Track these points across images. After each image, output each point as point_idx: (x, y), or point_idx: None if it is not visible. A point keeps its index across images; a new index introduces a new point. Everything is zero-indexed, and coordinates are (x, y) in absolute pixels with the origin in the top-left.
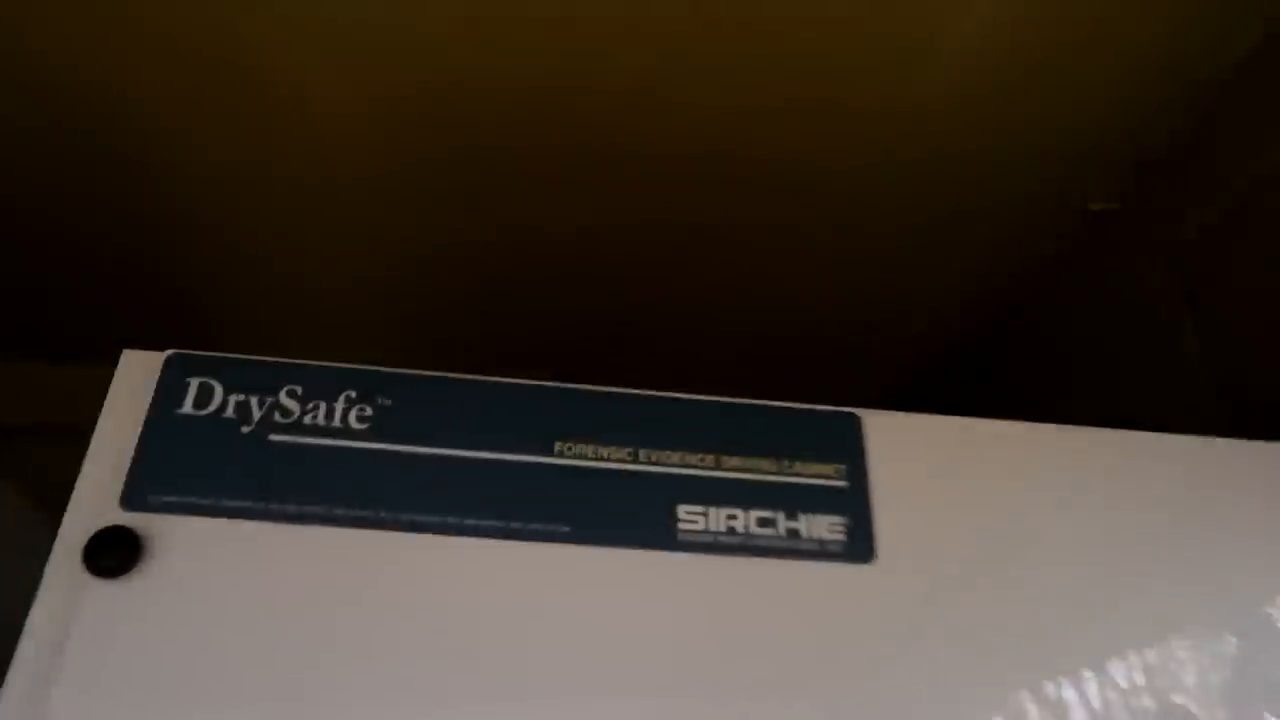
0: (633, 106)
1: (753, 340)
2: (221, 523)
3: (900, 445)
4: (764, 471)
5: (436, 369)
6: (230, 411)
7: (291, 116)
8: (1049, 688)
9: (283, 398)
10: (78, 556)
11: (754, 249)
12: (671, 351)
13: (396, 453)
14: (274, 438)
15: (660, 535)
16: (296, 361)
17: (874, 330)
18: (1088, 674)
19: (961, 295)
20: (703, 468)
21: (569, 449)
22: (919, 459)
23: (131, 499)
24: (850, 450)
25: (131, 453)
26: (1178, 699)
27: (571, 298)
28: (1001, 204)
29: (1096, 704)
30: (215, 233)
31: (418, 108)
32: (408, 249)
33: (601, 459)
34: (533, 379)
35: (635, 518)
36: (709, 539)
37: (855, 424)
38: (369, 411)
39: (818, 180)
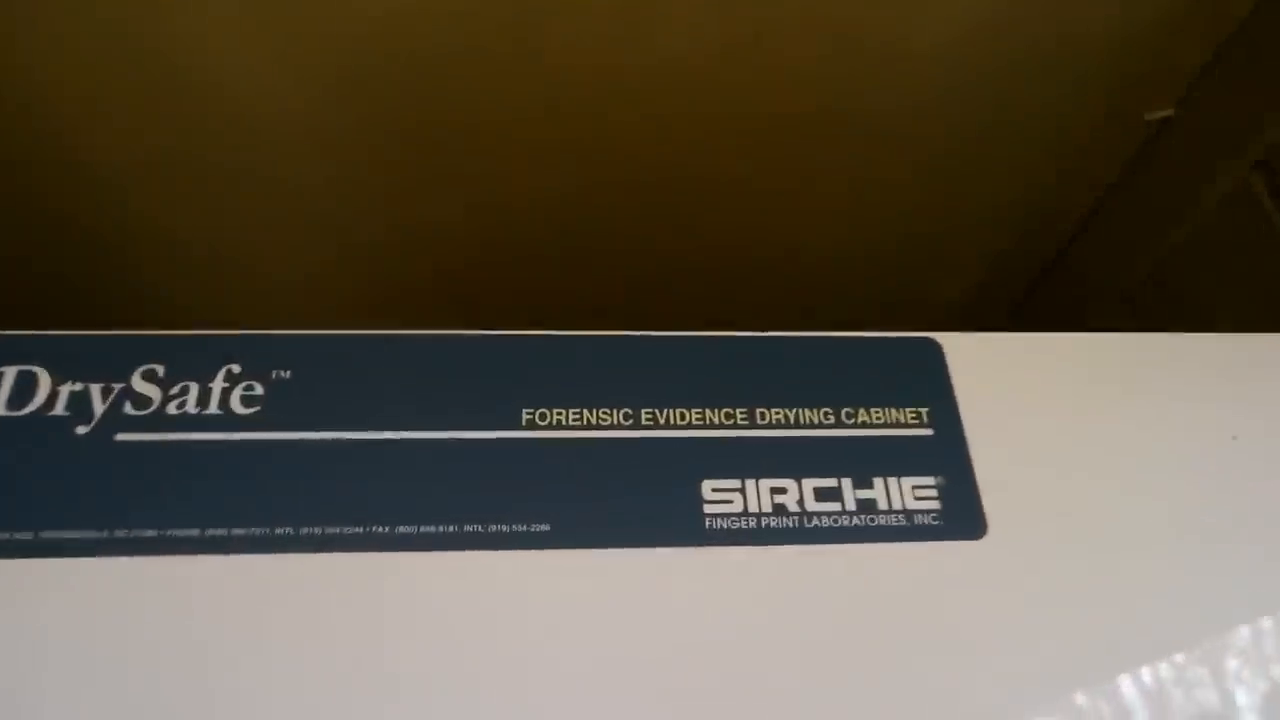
0: (620, 46)
1: (781, 295)
2: (45, 564)
3: (996, 375)
4: (818, 425)
5: None
6: (61, 407)
7: (217, 90)
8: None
9: (136, 381)
10: None
11: (773, 197)
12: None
13: (300, 444)
14: (123, 438)
15: (681, 526)
16: (153, 333)
17: (922, 266)
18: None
19: (1024, 215)
20: (733, 428)
21: (542, 418)
22: (1024, 391)
23: None
24: (933, 387)
25: None
26: None
27: (555, 277)
28: (1053, 117)
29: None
30: (147, 226)
31: (357, 65)
32: (362, 233)
33: (590, 428)
34: None
35: (644, 505)
36: (749, 525)
37: (935, 352)
38: (259, 390)
39: (845, 103)
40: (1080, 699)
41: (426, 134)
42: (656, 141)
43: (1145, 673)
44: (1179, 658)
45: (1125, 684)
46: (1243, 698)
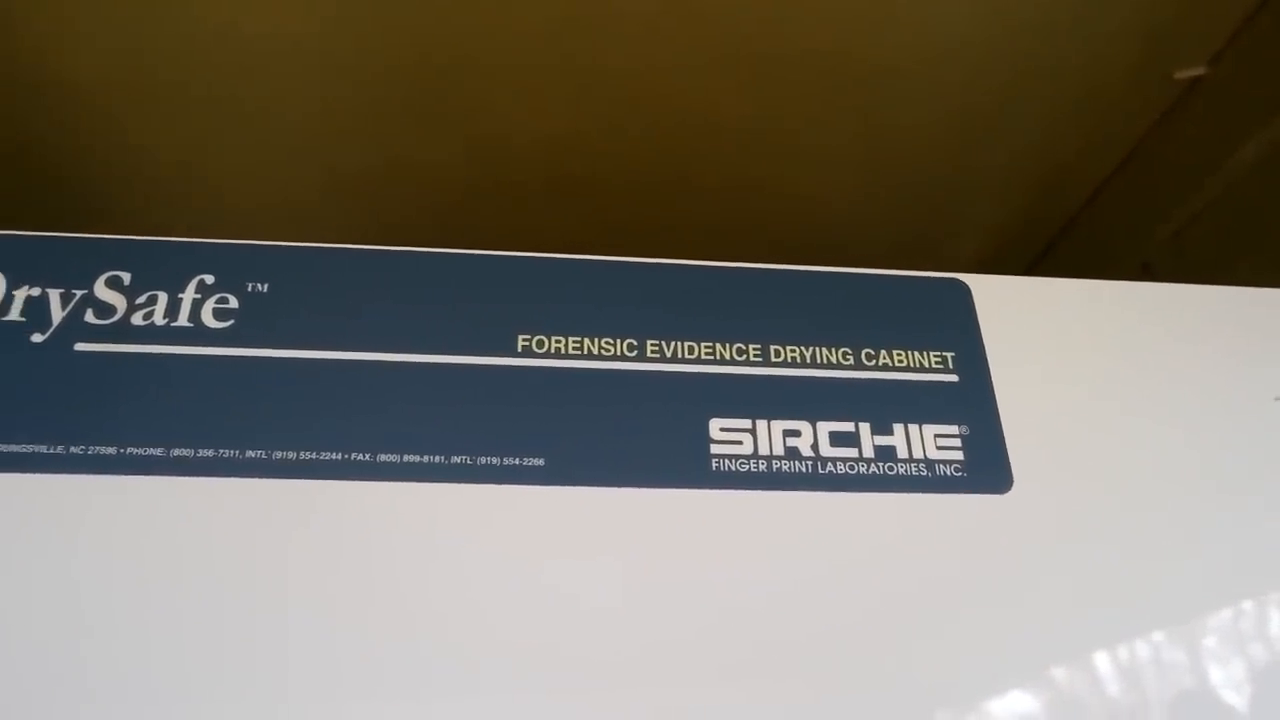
0: None
1: (786, 247)
2: None
3: (1028, 322)
4: (836, 365)
5: None
6: (16, 312)
7: (206, 11)
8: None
9: (100, 289)
10: None
11: (778, 141)
12: None
13: (276, 362)
14: (83, 348)
15: (685, 466)
16: (120, 237)
17: (934, 224)
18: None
19: (1043, 176)
20: (745, 364)
21: (539, 345)
22: (1057, 339)
23: None
24: (959, 331)
25: None
26: None
27: (548, 220)
28: (1079, 72)
29: None
30: (126, 147)
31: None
32: (351, 165)
33: (590, 357)
34: None
35: (646, 442)
36: (759, 468)
37: (963, 295)
38: (233, 303)
39: (860, 45)
40: (1112, 667)
41: (421, 68)
42: (658, 81)
43: (1174, 639)
44: (1219, 617)
45: (1160, 650)
46: None
